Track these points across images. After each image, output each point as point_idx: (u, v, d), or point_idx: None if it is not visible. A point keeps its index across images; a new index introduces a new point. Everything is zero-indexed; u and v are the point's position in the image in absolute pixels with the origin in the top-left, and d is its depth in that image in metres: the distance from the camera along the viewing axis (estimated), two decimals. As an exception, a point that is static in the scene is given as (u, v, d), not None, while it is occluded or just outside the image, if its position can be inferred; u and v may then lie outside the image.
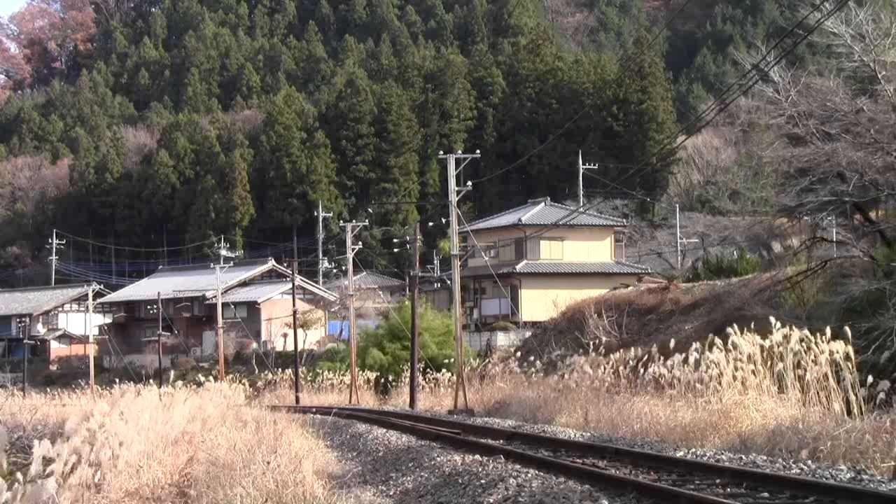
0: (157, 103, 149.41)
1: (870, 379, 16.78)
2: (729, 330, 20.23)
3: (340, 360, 59.68)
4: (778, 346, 18.75)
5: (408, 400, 40.22)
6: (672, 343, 23.05)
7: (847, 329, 18.16)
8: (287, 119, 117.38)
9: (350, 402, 47.47)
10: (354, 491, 15.12)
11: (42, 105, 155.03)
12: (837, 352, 17.68)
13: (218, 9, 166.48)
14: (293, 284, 60.51)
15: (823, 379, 18.16)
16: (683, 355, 21.88)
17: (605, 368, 26.21)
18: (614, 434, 19.90)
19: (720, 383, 19.73)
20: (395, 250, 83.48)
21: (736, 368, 19.36)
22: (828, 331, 18.14)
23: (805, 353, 18.34)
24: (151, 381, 64.07)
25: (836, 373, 17.86)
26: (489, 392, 35.95)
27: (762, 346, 19.22)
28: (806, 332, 18.89)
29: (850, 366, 17.45)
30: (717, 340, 20.04)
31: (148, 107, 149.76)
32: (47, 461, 9.82)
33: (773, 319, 19.32)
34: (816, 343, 18.36)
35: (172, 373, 52.97)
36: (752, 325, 20.17)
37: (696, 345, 21.41)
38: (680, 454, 15.51)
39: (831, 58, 28.81)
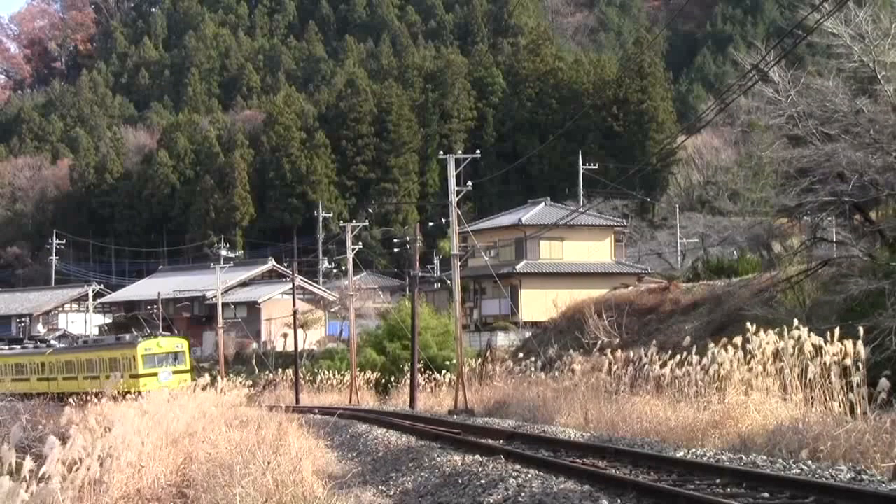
0: (157, 103, 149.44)
1: (883, 381, 16.74)
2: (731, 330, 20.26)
3: (339, 359, 59.75)
4: (793, 347, 18.77)
5: (408, 400, 40.23)
6: (673, 343, 23.07)
7: (854, 329, 18.17)
8: (287, 119, 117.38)
9: (350, 402, 47.48)
10: (354, 491, 15.13)
11: (42, 105, 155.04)
12: (847, 353, 17.68)
13: (218, 9, 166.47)
14: (293, 284, 60.49)
15: (825, 379, 18.17)
16: (685, 355, 21.90)
17: (605, 367, 26.21)
18: (614, 434, 19.90)
19: (722, 383, 19.75)
20: (395, 250, 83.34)
21: (749, 369, 19.36)
22: (836, 331, 18.14)
23: (816, 353, 18.33)
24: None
25: (844, 373, 17.85)
26: (489, 392, 35.96)
27: (766, 347, 19.25)
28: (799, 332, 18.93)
29: (861, 365, 17.46)
30: (734, 341, 20.04)
31: (148, 107, 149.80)
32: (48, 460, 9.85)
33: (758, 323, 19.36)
34: (812, 342, 18.38)
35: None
36: (754, 326, 20.17)
37: (703, 343, 21.41)
38: (680, 454, 15.52)
39: (831, 58, 28.85)
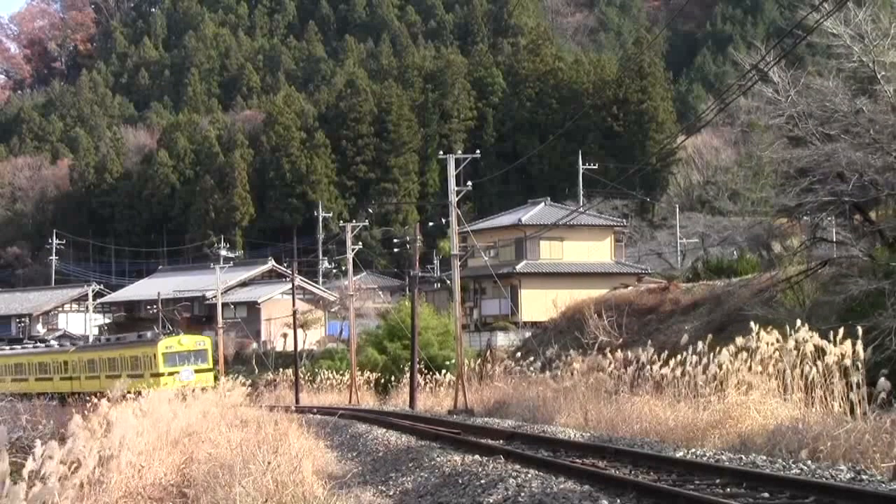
0: (157, 103, 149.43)
1: (883, 381, 16.74)
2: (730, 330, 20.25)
3: (339, 358, 59.77)
4: (796, 348, 18.77)
5: (408, 400, 40.24)
6: (673, 343, 23.08)
7: (856, 329, 18.18)
8: (287, 119, 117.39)
9: (350, 402, 47.49)
10: (354, 491, 15.13)
11: (42, 105, 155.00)
12: (845, 354, 17.69)
13: (218, 9, 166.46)
14: (293, 284, 60.49)
15: (826, 379, 18.16)
16: (684, 355, 21.89)
17: (605, 367, 26.22)
18: (614, 434, 19.91)
19: (722, 384, 19.75)
20: (395, 250, 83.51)
21: (749, 369, 19.36)
22: (840, 332, 18.14)
23: (818, 354, 18.32)
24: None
25: (844, 373, 17.87)
26: (489, 392, 35.96)
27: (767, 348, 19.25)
28: (801, 333, 18.91)
29: (860, 365, 17.46)
30: (737, 341, 20.04)
31: (148, 107, 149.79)
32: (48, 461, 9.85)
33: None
34: (814, 343, 18.37)
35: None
36: (756, 326, 20.16)
37: (700, 345, 21.39)
38: (680, 454, 15.53)
39: (831, 58, 28.86)
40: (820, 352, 18.34)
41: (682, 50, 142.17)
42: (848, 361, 17.70)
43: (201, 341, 58.61)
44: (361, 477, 17.21)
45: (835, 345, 18.01)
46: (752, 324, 20.30)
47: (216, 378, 54.48)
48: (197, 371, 54.96)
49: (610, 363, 26.08)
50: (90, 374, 61.23)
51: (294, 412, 31.67)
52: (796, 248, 31.60)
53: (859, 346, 17.69)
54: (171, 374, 54.23)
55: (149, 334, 61.33)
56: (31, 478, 9.23)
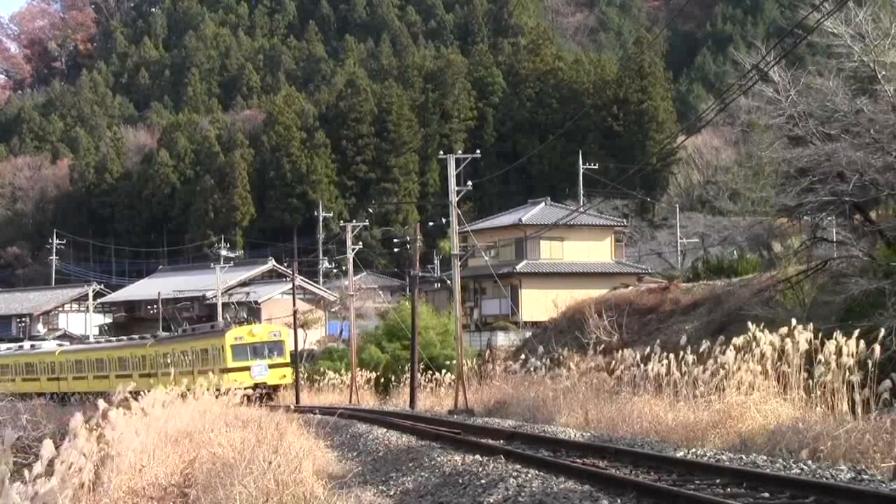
0: (157, 103, 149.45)
1: (887, 381, 16.73)
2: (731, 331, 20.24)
3: (339, 357, 59.73)
4: (800, 346, 18.75)
5: (408, 400, 40.24)
6: (673, 343, 23.08)
7: (876, 329, 18.17)
8: (287, 119, 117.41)
9: (350, 401, 47.46)
10: (355, 491, 15.13)
11: (42, 105, 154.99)
12: (852, 352, 17.69)
13: (218, 9, 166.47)
14: (293, 284, 60.42)
15: (829, 378, 18.15)
16: (683, 355, 21.89)
17: (605, 367, 26.23)
18: (614, 434, 19.91)
19: (723, 382, 19.74)
20: (395, 250, 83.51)
21: (748, 369, 19.35)
22: (856, 332, 18.13)
23: (823, 353, 18.31)
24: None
25: (848, 372, 17.87)
26: (489, 392, 35.95)
27: (773, 346, 19.24)
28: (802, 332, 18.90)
29: (872, 364, 17.46)
30: (734, 341, 20.04)
31: (148, 107, 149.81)
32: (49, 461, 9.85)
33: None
34: (822, 343, 18.35)
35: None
36: (755, 326, 20.15)
37: (706, 344, 21.39)
38: (680, 454, 15.53)
39: (831, 58, 28.85)
40: (824, 351, 18.32)
41: (682, 50, 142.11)
42: (851, 361, 17.69)
43: (276, 331, 53.40)
44: (362, 477, 17.21)
45: (848, 341, 17.95)
46: (749, 324, 20.28)
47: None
48: (272, 366, 50.33)
49: (609, 363, 26.08)
50: (165, 370, 54.18)
51: (294, 412, 31.68)
52: (796, 248, 31.61)
53: (875, 346, 17.68)
54: (240, 369, 49.46)
55: (221, 323, 56.55)
56: (34, 478, 9.24)
